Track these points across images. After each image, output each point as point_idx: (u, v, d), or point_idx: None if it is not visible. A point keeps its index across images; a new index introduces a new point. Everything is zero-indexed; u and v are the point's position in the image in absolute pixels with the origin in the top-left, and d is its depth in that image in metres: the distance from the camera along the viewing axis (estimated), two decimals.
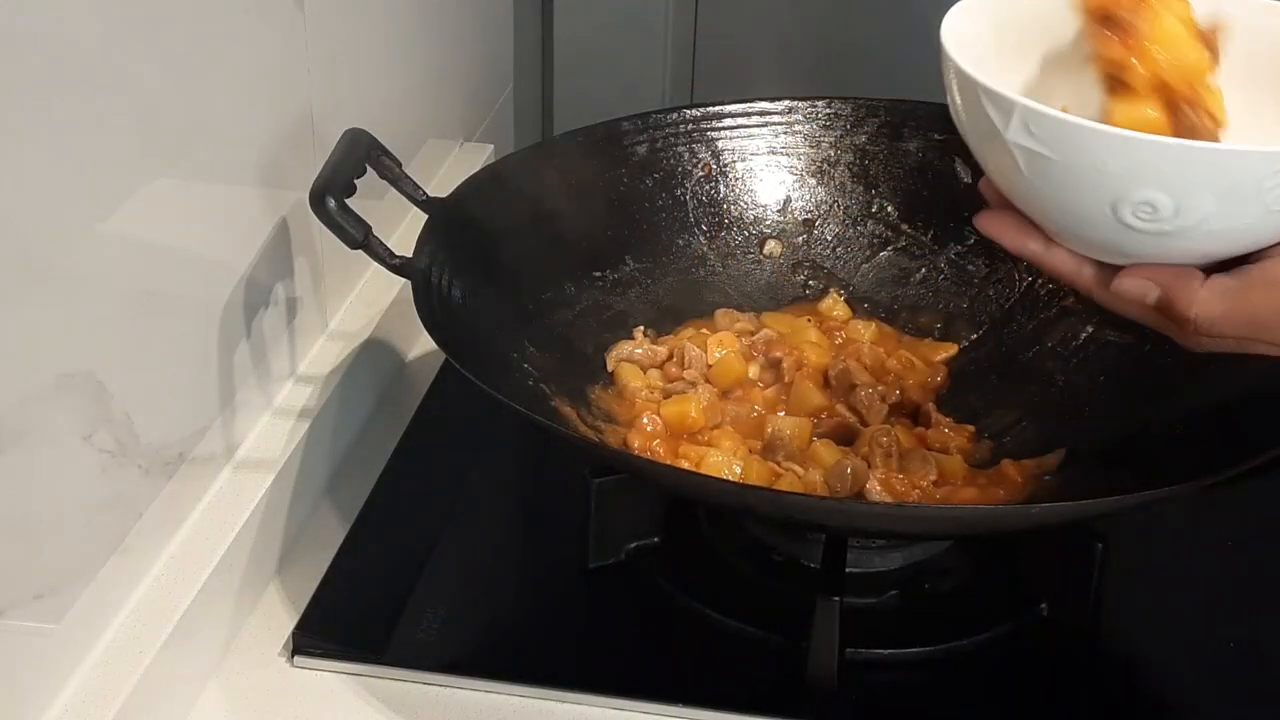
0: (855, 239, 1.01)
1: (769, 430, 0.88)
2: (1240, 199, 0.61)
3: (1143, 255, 0.65)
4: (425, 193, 0.89)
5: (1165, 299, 0.65)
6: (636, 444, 0.87)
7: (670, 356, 0.94)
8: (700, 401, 0.89)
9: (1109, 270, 0.66)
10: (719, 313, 0.98)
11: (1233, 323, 0.64)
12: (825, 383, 0.92)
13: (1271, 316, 0.64)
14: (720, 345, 0.93)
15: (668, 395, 0.90)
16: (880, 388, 0.91)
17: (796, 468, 0.85)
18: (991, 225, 0.69)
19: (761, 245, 1.01)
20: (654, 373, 0.93)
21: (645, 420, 0.88)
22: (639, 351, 0.93)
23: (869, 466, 0.85)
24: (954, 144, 0.98)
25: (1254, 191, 0.61)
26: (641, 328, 0.94)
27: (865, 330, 0.97)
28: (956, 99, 0.67)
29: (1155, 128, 0.66)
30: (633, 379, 0.91)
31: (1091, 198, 0.63)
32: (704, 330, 0.96)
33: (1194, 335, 0.65)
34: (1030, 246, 0.68)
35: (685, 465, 0.85)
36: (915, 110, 1.01)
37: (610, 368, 0.93)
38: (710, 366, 0.93)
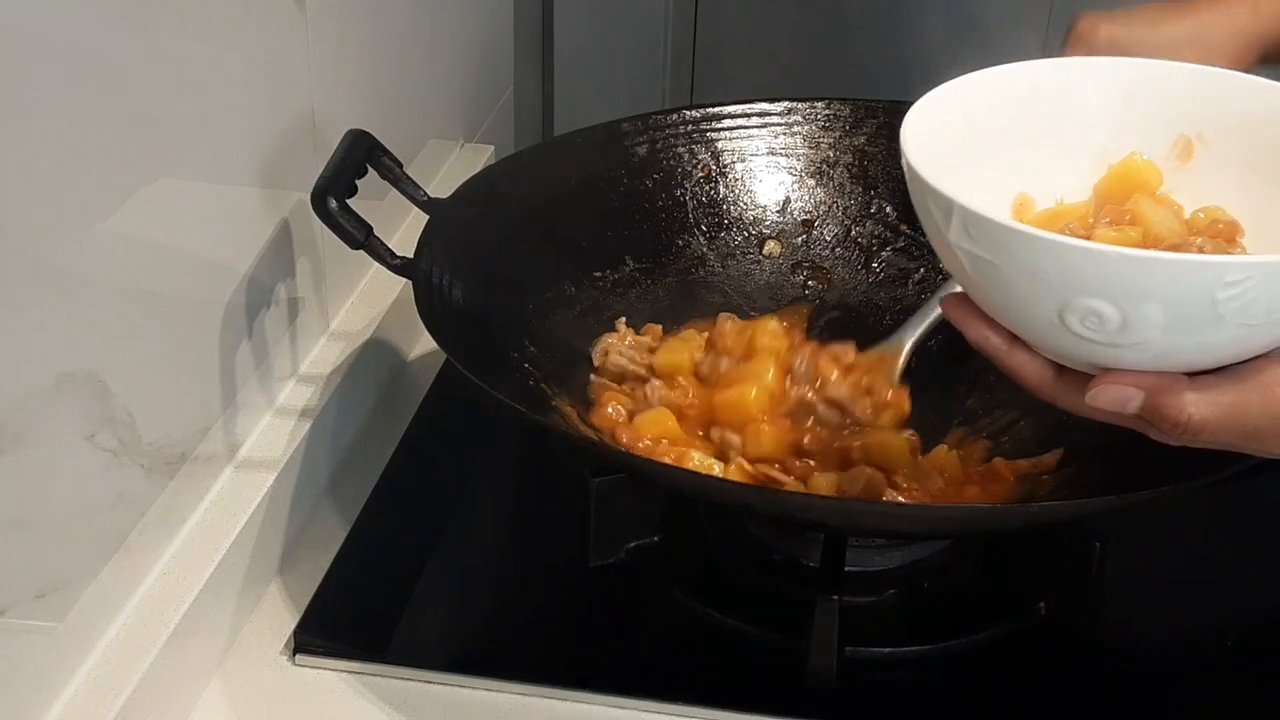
0: (854, 239, 1.01)
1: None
2: (1191, 310, 0.57)
3: (1113, 365, 0.61)
4: (426, 193, 0.89)
5: (1150, 406, 0.60)
6: (624, 439, 0.87)
7: (654, 350, 0.94)
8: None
9: (1079, 377, 0.62)
10: (721, 318, 0.98)
11: (1226, 431, 0.61)
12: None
13: (1265, 424, 0.60)
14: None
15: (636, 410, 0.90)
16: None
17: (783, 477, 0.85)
18: (956, 311, 0.64)
19: (761, 246, 1.02)
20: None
21: (610, 410, 0.88)
22: (622, 345, 0.93)
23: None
24: None
25: (1206, 303, 0.57)
26: (623, 319, 0.94)
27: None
28: (913, 198, 0.64)
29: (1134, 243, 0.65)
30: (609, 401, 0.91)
31: (1037, 305, 0.60)
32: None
33: (1182, 440, 0.62)
34: (993, 341, 0.63)
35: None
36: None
37: (596, 361, 0.93)
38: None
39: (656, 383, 0.91)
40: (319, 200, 0.82)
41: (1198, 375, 0.61)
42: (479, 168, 1.02)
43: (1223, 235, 0.68)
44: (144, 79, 0.72)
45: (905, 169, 0.63)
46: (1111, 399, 0.61)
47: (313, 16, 0.90)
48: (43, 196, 0.65)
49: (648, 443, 0.87)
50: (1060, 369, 0.63)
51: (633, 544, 0.86)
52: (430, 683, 0.79)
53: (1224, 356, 0.61)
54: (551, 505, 0.94)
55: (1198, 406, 0.60)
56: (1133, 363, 0.60)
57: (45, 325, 0.66)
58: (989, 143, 0.70)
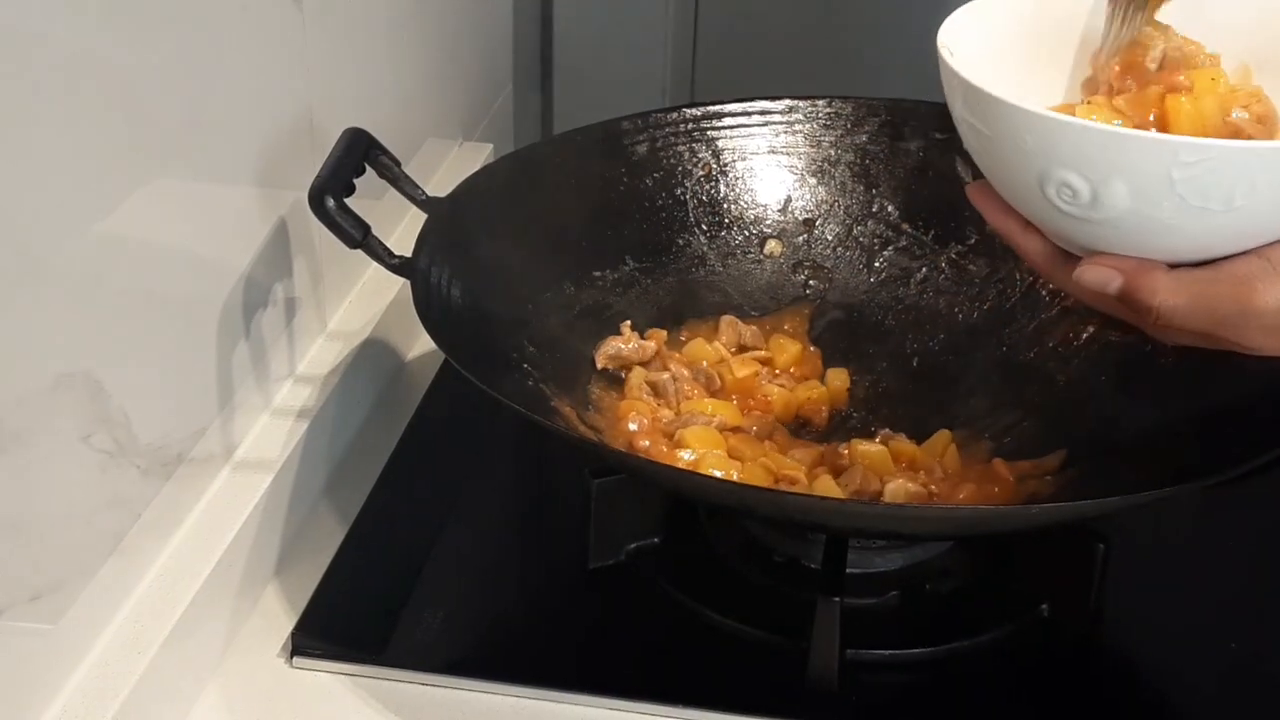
0: (856, 239, 1.01)
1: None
2: (1151, 188, 0.61)
3: (1098, 246, 0.65)
4: (424, 192, 0.89)
5: (1127, 288, 0.64)
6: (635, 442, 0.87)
7: (658, 353, 0.93)
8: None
9: (1075, 260, 0.67)
10: (724, 319, 0.97)
11: (1196, 316, 0.63)
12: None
13: (1234, 313, 0.63)
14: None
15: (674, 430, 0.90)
16: None
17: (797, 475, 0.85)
18: (979, 196, 0.70)
19: (762, 245, 1.01)
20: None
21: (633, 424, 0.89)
22: (626, 347, 0.93)
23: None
24: (955, 143, 0.97)
25: (1164, 182, 0.61)
26: (629, 322, 0.94)
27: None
28: (944, 84, 0.69)
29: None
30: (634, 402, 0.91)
31: (1023, 174, 0.65)
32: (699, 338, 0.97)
33: (1157, 326, 0.65)
34: (1009, 224, 0.69)
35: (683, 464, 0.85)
36: (916, 110, 1.00)
37: (600, 364, 0.92)
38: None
39: (684, 371, 0.92)
40: (316, 199, 0.81)
41: (1175, 268, 0.64)
42: (478, 166, 1.02)
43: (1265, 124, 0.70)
44: (142, 78, 0.72)
45: (939, 57, 0.69)
46: (1094, 278, 0.65)
47: (311, 16, 0.90)
48: (39, 196, 0.64)
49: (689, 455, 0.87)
50: (1063, 253, 0.68)
51: (633, 545, 0.86)
52: (428, 685, 0.79)
53: (1203, 247, 0.64)
54: (551, 505, 0.93)
55: (1168, 293, 0.63)
56: (1114, 244, 0.65)
57: (41, 325, 0.66)
58: (1036, 51, 0.75)
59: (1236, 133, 0.68)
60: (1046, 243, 0.68)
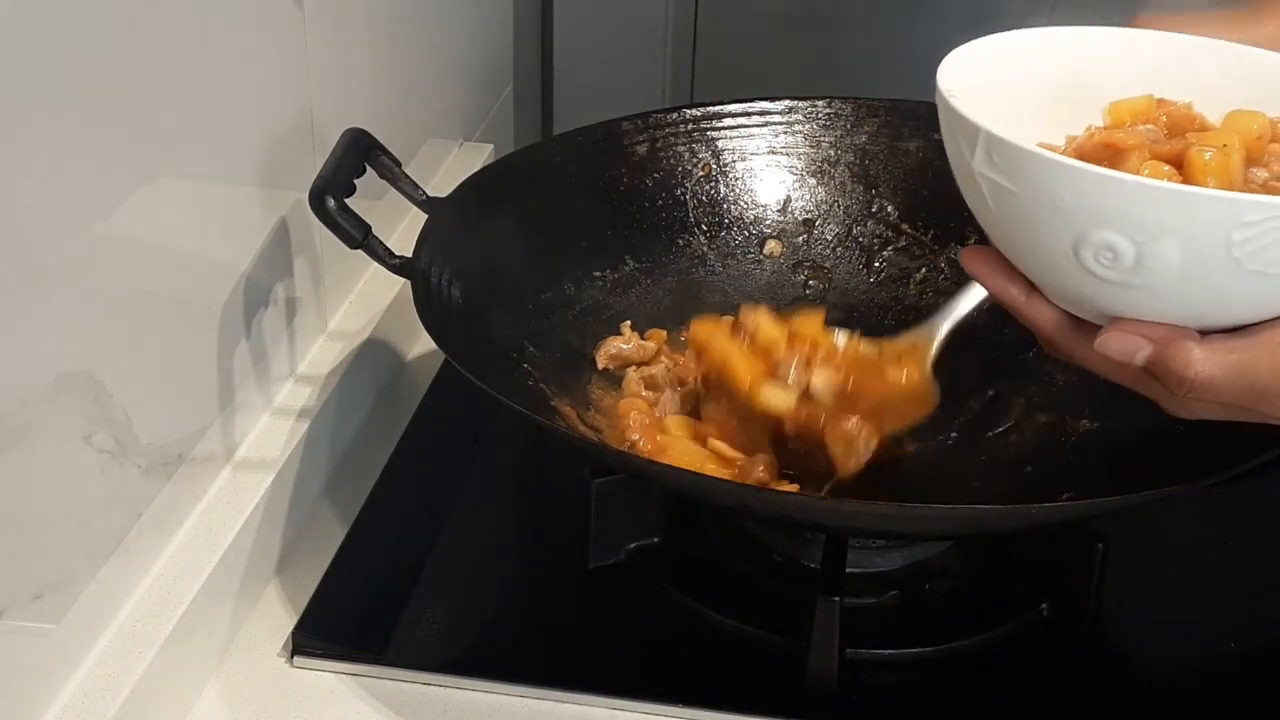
0: (855, 239, 1.01)
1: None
2: (1206, 250, 0.56)
3: (1125, 313, 0.60)
4: (425, 192, 0.89)
5: (1157, 358, 0.59)
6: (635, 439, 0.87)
7: (658, 352, 0.93)
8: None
9: (1092, 329, 0.62)
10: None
11: (1233, 389, 0.59)
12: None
13: (1274, 384, 0.58)
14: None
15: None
16: None
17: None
18: (975, 262, 0.65)
19: (762, 245, 1.01)
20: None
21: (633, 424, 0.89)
22: (626, 347, 0.93)
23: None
24: None
25: (1221, 243, 0.56)
26: (629, 322, 0.94)
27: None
28: (943, 130, 0.65)
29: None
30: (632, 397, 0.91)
31: (1053, 237, 0.59)
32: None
33: (1186, 400, 0.60)
34: (1011, 291, 0.64)
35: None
36: (915, 110, 1.00)
37: (600, 364, 0.92)
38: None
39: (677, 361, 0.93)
40: (317, 199, 0.82)
41: (1208, 334, 0.59)
42: (478, 167, 1.02)
43: None
44: (142, 79, 0.72)
45: (938, 100, 0.64)
46: (1120, 347, 0.60)
47: (311, 16, 0.90)
48: (41, 196, 0.64)
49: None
50: (1076, 321, 0.62)
51: (633, 545, 0.86)
52: (429, 684, 0.79)
53: (1239, 311, 0.59)
54: (551, 505, 0.93)
55: (1204, 362, 0.58)
56: (1146, 310, 0.59)
57: (43, 325, 0.66)
58: (1028, 93, 0.70)
59: (1265, 190, 0.63)
60: (1057, 310, 0.63)
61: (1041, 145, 0.64)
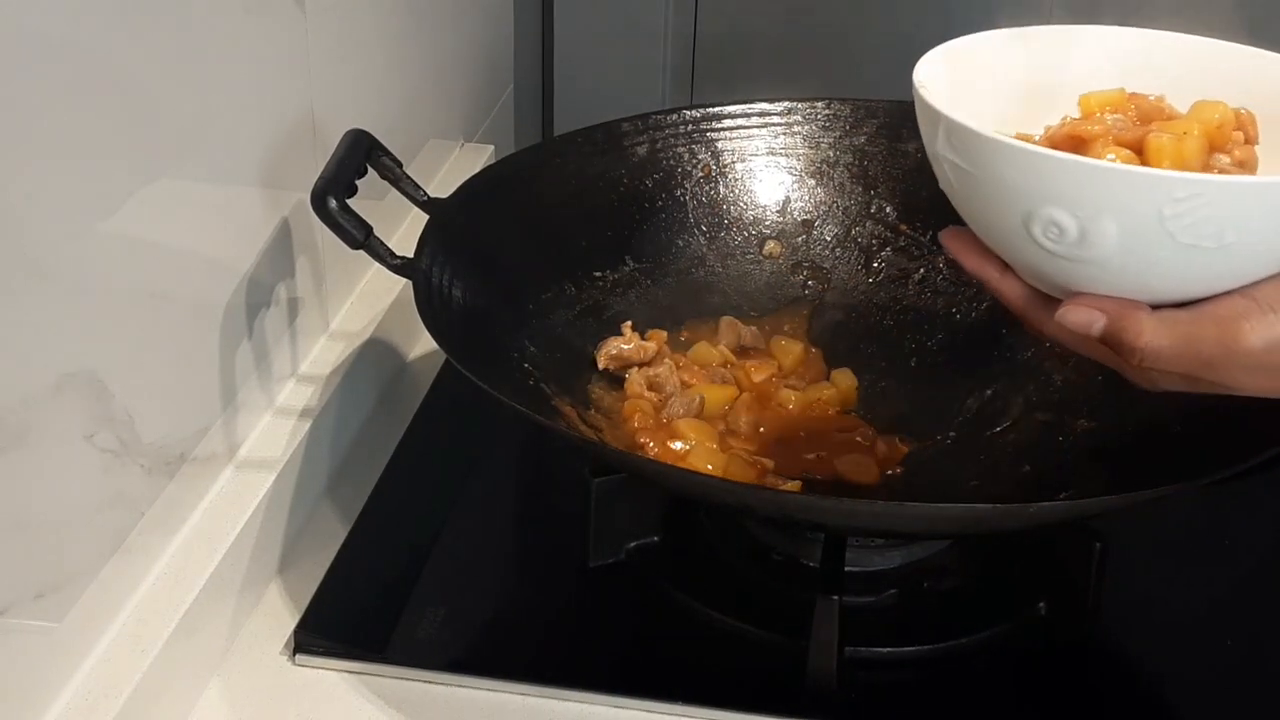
0: (854, 239, 1.01)
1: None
2: (1141, 225, 0.60)
3: (1082, 287, 0.64)
4: (426, 193, 0.89)
5: (1110, 329, 0.63)
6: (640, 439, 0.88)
7: (659, 353, 0.94)
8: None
9: (1057, 304, 0.65)
10: (724, 321, 0.98)
11: (1182, 359, 0.62)
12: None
13: (1220, 354, 0.61)
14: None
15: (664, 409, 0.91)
16: None
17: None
18: (954, 242, 0.69)
19: (761, 246, 1.01)
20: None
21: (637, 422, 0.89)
22: (627, 348, 0.93)
23: None
24: None
25: (1154, 218, 0.59)
26: (630, 323, 0.94)
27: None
28: (918, 120, 0.68)
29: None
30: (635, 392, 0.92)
31: (1006, 214, 0.63)
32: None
33: (1141, 369, 0.64)
34: (987, 270, 0.68)
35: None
36: (914, 112, 1.00)
37: (601, 365, 0.93)
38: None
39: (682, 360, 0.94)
40: (319, 200, 0.82)
41: (1163, 308, 0.63)
42: (479, 167, 1.02)
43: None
44: (144, 79, 0.72)
45: (914, 94, 0.68)
46: (1077, 319, 0.64)
47: (312, 16, 0.90)
48: (43, 196, 0.65)
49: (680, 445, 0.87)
50: (1044, 297, 0.66)
51: (633, 544, 0.86)
52: (430, 683, 0.79)
53: (1186, 285, 0.62)
54: (551, 505, 0.94)
55: (1154, 333, 0.62)
56: (1099, 284, 0.63)
57: (45, 325, 0.66)
58: (1010, 87, 0.73)
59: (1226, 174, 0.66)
60: (1025, 286, 0.67)
61: (1020, 135, 0.68)
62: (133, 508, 0.75)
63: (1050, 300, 0.66)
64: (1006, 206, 0.63)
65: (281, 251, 0.89)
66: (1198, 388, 0.64)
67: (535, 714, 0.78)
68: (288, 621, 0.83)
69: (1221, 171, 0.65)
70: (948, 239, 0.69)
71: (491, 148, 1.26)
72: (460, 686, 0.79)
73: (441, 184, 1.11)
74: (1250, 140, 0.68)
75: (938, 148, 0.66)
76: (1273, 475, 0.76)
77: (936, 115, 0.65)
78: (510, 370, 0.87)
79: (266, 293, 0.88)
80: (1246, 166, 0.67)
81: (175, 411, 0.78)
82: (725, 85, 1.40)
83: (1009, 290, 0.67)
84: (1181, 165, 0.64)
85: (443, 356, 0.99)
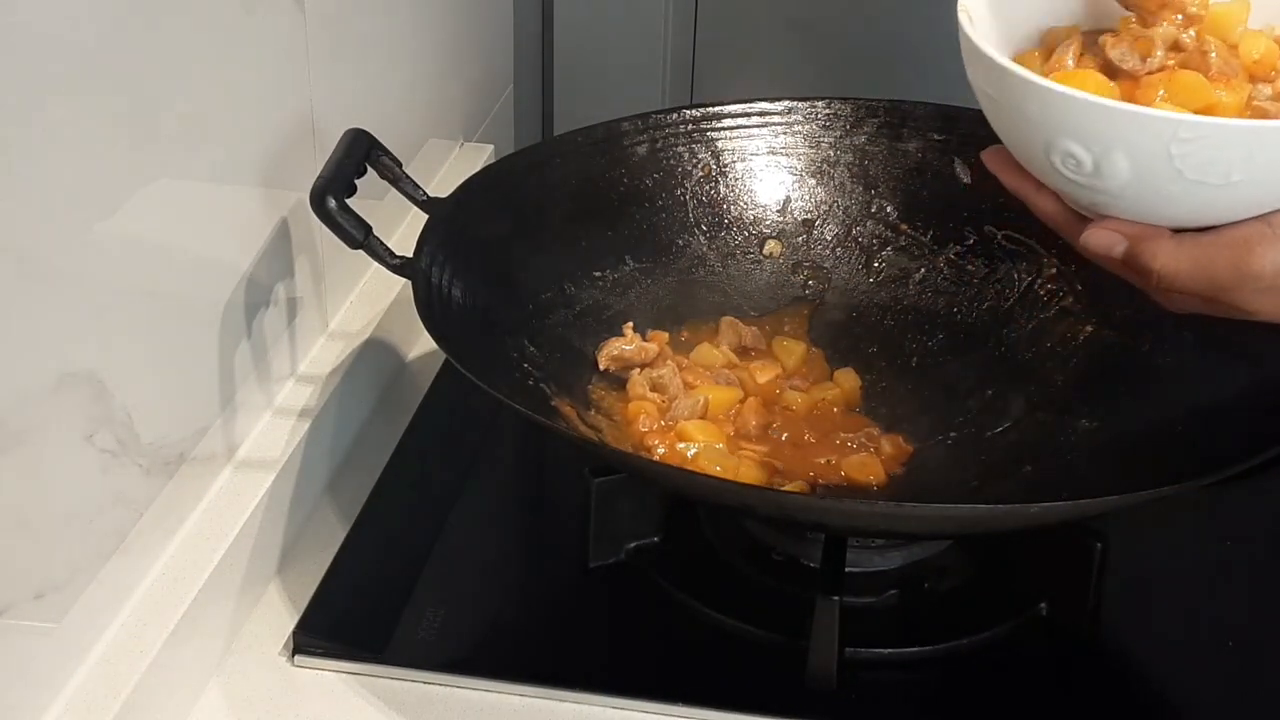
0: (855, 239, 1.01)
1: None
2: (1151, 162, 0.63)
3: (1106, 211, 0.67)
4: (425, 193, 0.89)
5: (1130, 253, 0.66)
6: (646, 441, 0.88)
7: (660, 354, 0.94)
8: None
9: (1087, 221, 0.69)
10: (724, 321, 0.98)
11: (1196, 280, 0.65)
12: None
13: (1232, 277, 0.64)
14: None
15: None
16: None
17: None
18: (994, 159, 0.72)
19: (761, 245, 1.01)
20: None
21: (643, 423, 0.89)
22: (628, 349, 0.93)
23: None
24: (953, 144, 0.99)
25: (1163, 156, 0.62)
26: (631, 324, 0.94)
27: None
28: (963, 54, 0.71)
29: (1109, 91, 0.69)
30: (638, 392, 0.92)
31: (1031, 142, 0.67)
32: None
33: (1159, 290, 0.67)
34: (1025, 185, 0.71)
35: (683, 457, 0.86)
36: (915, 111, 1.01)
37: (602, 365, 0.93)
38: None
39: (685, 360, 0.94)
40: (318, 200, 0.82)
41: (1185, 232, 0.66)
42: (478, 167, 1.02)
43: None
44: (144, 79, 0.72)
45: (959, 29, 0.70)
46: (1100, 242, 0.68)
47: (312, 16, 0.90)
48: (43, 196, 0.65)
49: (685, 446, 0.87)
50: (1076, 214, 0.69)
51: (633, 544, 0.86)
52: (429, 683, 0.79)
53: (1203, 215, 0.65)
54: (551, 505, 0.94)
55: (1170, 255, 0.65)
56: (1121, 209, 0.67)
57: (44, 325, 0.66)
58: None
59: (1262, 115, 0.69)
60: (1060, 203, 0.70)
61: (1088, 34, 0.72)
62: (132, 508, 0.75)
63: (1082, 218, 0.69)
64: (1029, 136, 0.67)
65: (281, 251, 0.89)
66: (1215, 310, 0.67)
67: (535, 714, 0.77)
68: (287, 622, 0.83)
69: (1259, 107, 0.68)
70: (988, 157, 0.72)
71: (491, 147, 1.26)
72: (460, 687, 0.79)
73: (441, 184, 1.11)
74: None
75: (973, 78, 0.70)
76: (1273, 475, 0.76)
77: (969, 46, 0.68)
78: (510, 370, 0.87)
79: (266, 292, 0.88)
80: None
81: (174, 411, 0.78)
82: (725, 85, 1.40)
83: (1046, 206, 0.71)
84: (1194, 102, 0.67)
85: (442, 356, 0.99)
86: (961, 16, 0.71)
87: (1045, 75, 0.68)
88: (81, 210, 0.68)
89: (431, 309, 0.82)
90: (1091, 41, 0.73)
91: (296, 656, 0.80)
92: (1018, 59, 0.72)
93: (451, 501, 0.93)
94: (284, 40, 0.88)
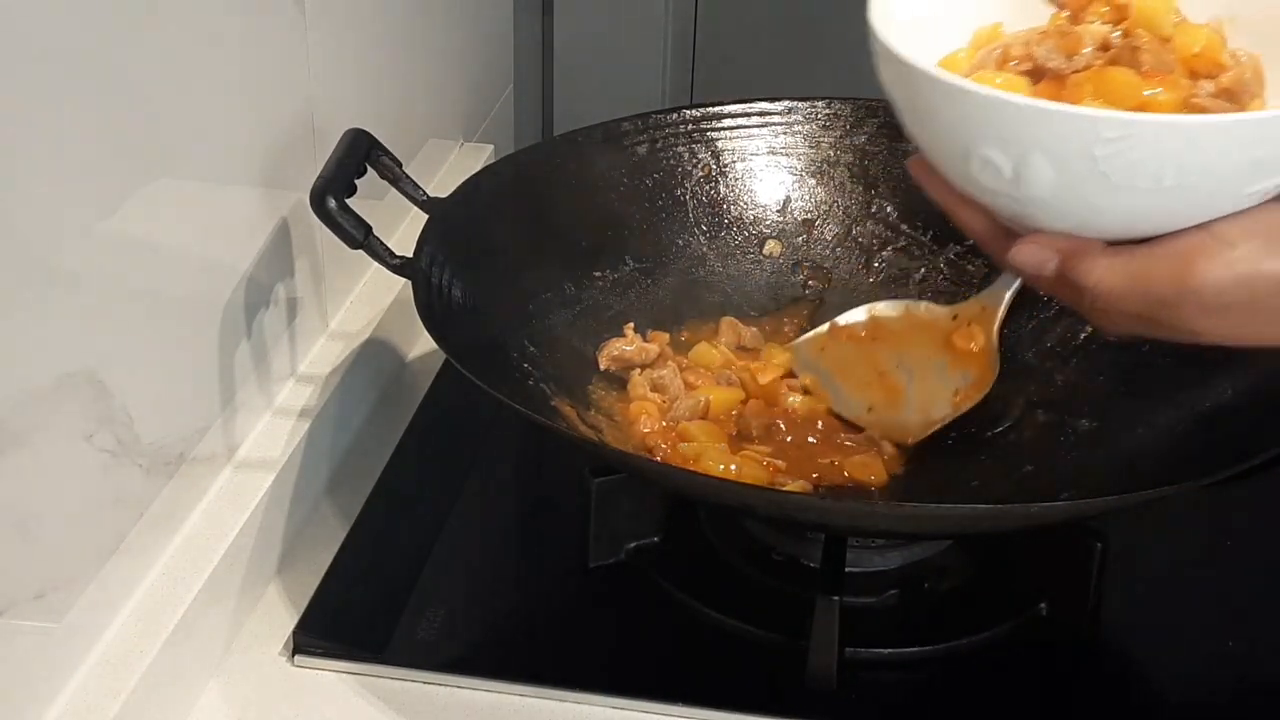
0: (855, 239, 1.01)
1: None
2: (1075, 167, 0.57)
3: (1035, 223, 0.61)
4: (425, 193, 0.89)
5: (1063, 269, 0.60)
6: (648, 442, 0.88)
7: (661, 354, 0.94)
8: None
9: (1015, 237, 0.63)
10: (724, 321, 0.98)
11: (1133, 299, 0.59)
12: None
13: (1171, 294, 0.58)
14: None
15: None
16: None
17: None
18: (918, 169, 0.66)
19: (761, 245, 1.01)
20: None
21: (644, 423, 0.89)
22: (629, 349, 0.93)
23: None
24: None
25: (1086, 159, 0.56)
26: (632, 324, 0.94)
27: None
28: (871, 54, 0.66)
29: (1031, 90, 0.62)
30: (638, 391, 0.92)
31: (948, 150, 0.61)
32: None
33: (1095, 311, 0.61)
34: (950, 198, 0.65)
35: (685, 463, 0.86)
36: None
37: (602, 365, 0.93)
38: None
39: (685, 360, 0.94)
40: (318, 200, 0.82)
41: (1120, 244, 0.59)
42: (478, 167, 1.02)
43: (1229, 93, 0.63)
44: (144, 79, 0.72)
45: (868, 27, 0.64)
46: (1028, 259, 0.61)
47: (312, 16, 0.90)
48: (43, 196, 0.65)
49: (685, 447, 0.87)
50: (1006, 230, 0.63)
51: (633, 544, 0.86)
52: (429, 683, 0.79)
53: (1138, 225, 0.59)
54: (551, 505, 0.94)
55: (1107, 271, 0.59)
56: (1049, 222, 0.60)
57: (44, 325, 0.66)
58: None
59: (1201, 112, 0.61)
60: (987, 218, 0.63)
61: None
62: (132, 508, 0.75)
63: (1011, 233, 0.63)
64: (945, 142, 0.61)
65: (281, 251, 0.89)
66: (1157, 331, 0.60)
67: (535, 714, 0.77)
68: (287, 622, 0.83)
69: (1198, 104, 0.61)
70: (914, 167, 0.66)
71: (491, 147, 1.26)
72: (460, 687, 0.79)
73: (441, 183, 1.11)
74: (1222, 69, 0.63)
75: (883, 77, 0.63)
76: (1273, 475, 0.76)
77: (878, 46, 0.62)
78: (510, 370, 0.87)
79: (266, 293, 0.88)
80: (1234, 95, 0.62)
81: (174, 411, 0.78)
82: (725, 84, 1.40)
83: (970, 220, 0.64)
84: (1125, 101, 0.60)
85: (442, 356, 0.99)
86: (874, 14, 0.64)
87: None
88: (81, 210, 0.68)
89: (431, 309, 0.82)
90: (1022, 41, 0.66)
91: (296, 656, 0.80)
92: (944, 62, 0.67)
93: (451, 501, 0.93)
94: (284, 40, 0.88)
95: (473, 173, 0.96)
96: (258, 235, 0.86)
